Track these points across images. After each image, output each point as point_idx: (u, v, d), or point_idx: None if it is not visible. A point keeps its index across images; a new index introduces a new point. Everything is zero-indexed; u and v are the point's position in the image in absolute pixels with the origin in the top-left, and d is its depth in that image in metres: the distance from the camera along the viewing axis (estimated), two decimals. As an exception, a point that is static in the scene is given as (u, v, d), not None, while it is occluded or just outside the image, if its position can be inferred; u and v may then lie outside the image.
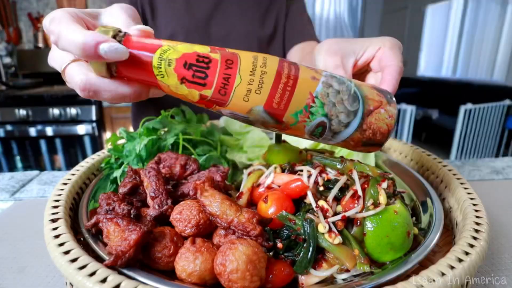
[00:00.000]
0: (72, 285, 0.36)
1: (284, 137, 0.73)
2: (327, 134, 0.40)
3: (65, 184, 0.53)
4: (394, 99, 0.43)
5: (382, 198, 0.41)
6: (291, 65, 0.38)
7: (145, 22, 1.01)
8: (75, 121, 2.75)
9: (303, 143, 0.73)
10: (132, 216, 0.42)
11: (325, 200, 0.43)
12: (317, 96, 0.38)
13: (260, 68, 0.36)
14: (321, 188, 0.44)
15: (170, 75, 0.35)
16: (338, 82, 0.39)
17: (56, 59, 0.38)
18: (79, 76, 0.35)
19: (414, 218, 0.50)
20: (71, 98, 2.70)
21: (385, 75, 0.48)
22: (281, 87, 0.36)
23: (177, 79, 0.35)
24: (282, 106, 0.37)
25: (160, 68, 0.34)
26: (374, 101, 0.41)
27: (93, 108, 2.73)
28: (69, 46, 0.32)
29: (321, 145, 0.73)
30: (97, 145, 2.85)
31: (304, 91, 0.37)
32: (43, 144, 2.82)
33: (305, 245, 0.39)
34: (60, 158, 2.90)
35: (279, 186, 0.47)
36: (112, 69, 0.35)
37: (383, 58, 0.50)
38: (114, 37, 0.33)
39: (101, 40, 0.31)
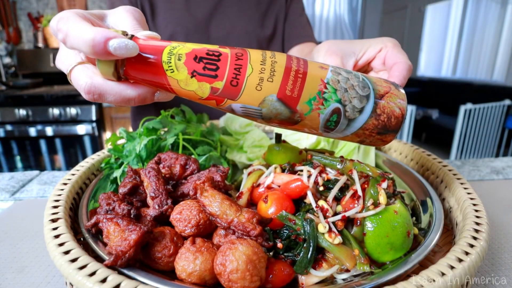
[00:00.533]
0: (72, 285, 0.36)
1: (284, 137, 0.73)
2: (342, 123, 0.39)
3: (65, 184, 0.53)
4: (401, 88, 0.43)
5: (382, 198, 0.41)
6: (298, 58, 0.39)
7: None
8: (75, 121, 2.75)
9: (303, 143, 0.73)
10: (132, 216, 0.42)
11: (325, 200, 0.43)
12: (329, 82, 0.38)
13: (270, 58, 0.37)
14: (321, 188, 0.44)
15: (180, 69, 0.35)
16: (346, 71, 0.40)
17: (63, 61, 0.38)
18: (84, 79, 0.35)
19: (414, 218, 0.50)
20: (71, 98, 2.70)
21: (393, 71, 0.48)
22: (292, 74, 0.37)
23: (187, 73, 0.35)
24: (295, 93, 0.37)
25: (170, 62, 0.34)
26: (383, 87, 0.41)
27: (93, 108, 2.73)
28: (77, 43, 0.32)
29: (321, 145, 0.73)
30: (97, 145, 2.85)
31: (316, 77, 0.38)
32: (43, 144, 2.81)
33: (305, 245, 0.39)
34: (60, 158, 2.90)
35: (279, 186, 0.47)
36: (120, 71, 0.35)
37: (390, 57, 0.50)
38: None
39: (111, 36, 0.31)
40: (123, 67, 0.35)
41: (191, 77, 0.35)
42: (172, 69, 0.34)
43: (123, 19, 0.39)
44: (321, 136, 0.42)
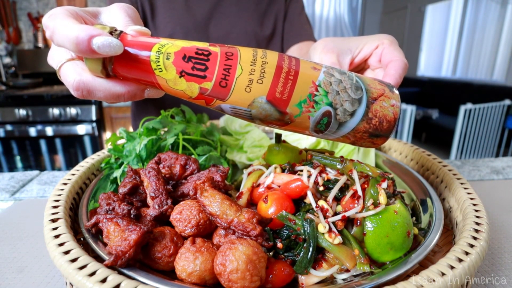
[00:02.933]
0: (72, 285, 0.36)
1: (284, 137, 0.73)
2: (332, 125, 0.39)
3: (65, 184, 0.53)
4: (396, 90, 0.42)
5: (382, 198, 0.41)
6: (290, 57, 0.38)
7: (144, 22, 1.01)
8: (75, 121, 2.75)
9: (303, 143, 0.73)
10: (132, 216, 0.42)
11: (325, 200, 0.43)
12: (320, 85, 0.37)
13: (261, 59, 0.36)
14: (321, 188, 0.44)
15: (169, 69, 0.34)
16: (339, 72, 0.39)
17: (53, 58, 0.38)
18: (72, 76, 0.35)
19: (414, 218, 0.50)
20: (71, 98, 2.70)
21: (389, 69, 0.48)
22: (283, 76, 0.36)
23: (175, 73, 0.34)
24: (285, 95, 0.36)
25: (158, 62, 0.34)
26: (377, 90, 0.40)
27: (93, 108, 2.73)
28: (63, 40, 0.32)
29: (321, 145, 0.73)
30: (97, 145, 2.85)
31: (307, 79, 0.37)
32: (43, 144, 2.81)
33: (305, 245, 0.39)
34: (60, 158, 2.90)
35: (279, 186, 0.47)
36: (108, 68, 0.34)
37: (386, 54, 0.50)
38: (110, 34, 0.33)
39: (95, 34, 0.31)
40: (111, 65, 0.34)
41: (180, 77, 0.34)
42: (160, 68, 0.34)
43: (116, 15, 0.39)
44: (312, 136, 0.42)
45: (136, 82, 0.36)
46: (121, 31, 0.34)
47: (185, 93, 0.36)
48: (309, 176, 0.45)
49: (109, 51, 0.32)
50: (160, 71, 0.34)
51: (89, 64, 0.34)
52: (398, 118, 0.41)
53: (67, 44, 0.32)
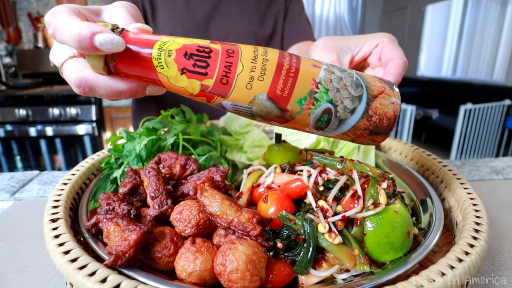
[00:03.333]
0: (72, 285, 0.36)
1: (284, 137, 0.73)
2: (333, 123, 0.39)
3: (65, 184, 0.53)
4: (396, 87, 0.43)
5: (382, 198, 0.41)
6: (291, 55, 0.38)
7: (145, 21, 1.01)
8: (75, 121, 2.75)
9: (303, 143, 0.73)
10: (132, 216, 0.42)
11: (325, 200, 0.43)
12: (321, 82, 0.37)
13: (262, 56, 0.36)
14: (321, 188, 0.44)
15: (170, 66, 0.34)
16: (340, 70, 0.39)
17: (55, 55, 0.38)
18: (74, 73, 0.35)
19: (414, 218, 0.50)
20: (71, 98, 2.70)
21: (389, 68, 0.48)
22: (284, 73, 0.36)
23: (177, 70, 0.35)
24: (286, 92, 0.36)
25: (160, 59, 0.34)
26: (377, 87, 0.40)
27: (93, 108, 2.73)
28: (65, 37, 0.32)
29: (321, 145, 0.73)
30: (97, 145, 2.85)
31: (307, 77, 0.37)
32: (43, 144, 2.81)
33: (305, 245, 0.39)
34: (60, 158, 2.90)
35: (279, 186, 0.47)
36: (110, 65, 0.35)
37: (386, 52, 0.50)
38: (112, 31, 0.33)
39: (97, 31, 0.31)
40: (113, 62, 0.34)
41: (181, 74, 0.35)
42: (162, 65, 0.34)
43: (118, 13, 0.39)
44: (313, 133, 0.42)
45: (138, 79, 0.36)
46: (123, 29, 0.35)
47: (186, 90, 0.36)
48: (309, 176, 0.45)
49: (111, 48, 0.32)
50: (161, 68, 0.34)
51: (91, 61, 0.34)
52: (398, 115, 0.41)
53: (69, 41, 0.32)
